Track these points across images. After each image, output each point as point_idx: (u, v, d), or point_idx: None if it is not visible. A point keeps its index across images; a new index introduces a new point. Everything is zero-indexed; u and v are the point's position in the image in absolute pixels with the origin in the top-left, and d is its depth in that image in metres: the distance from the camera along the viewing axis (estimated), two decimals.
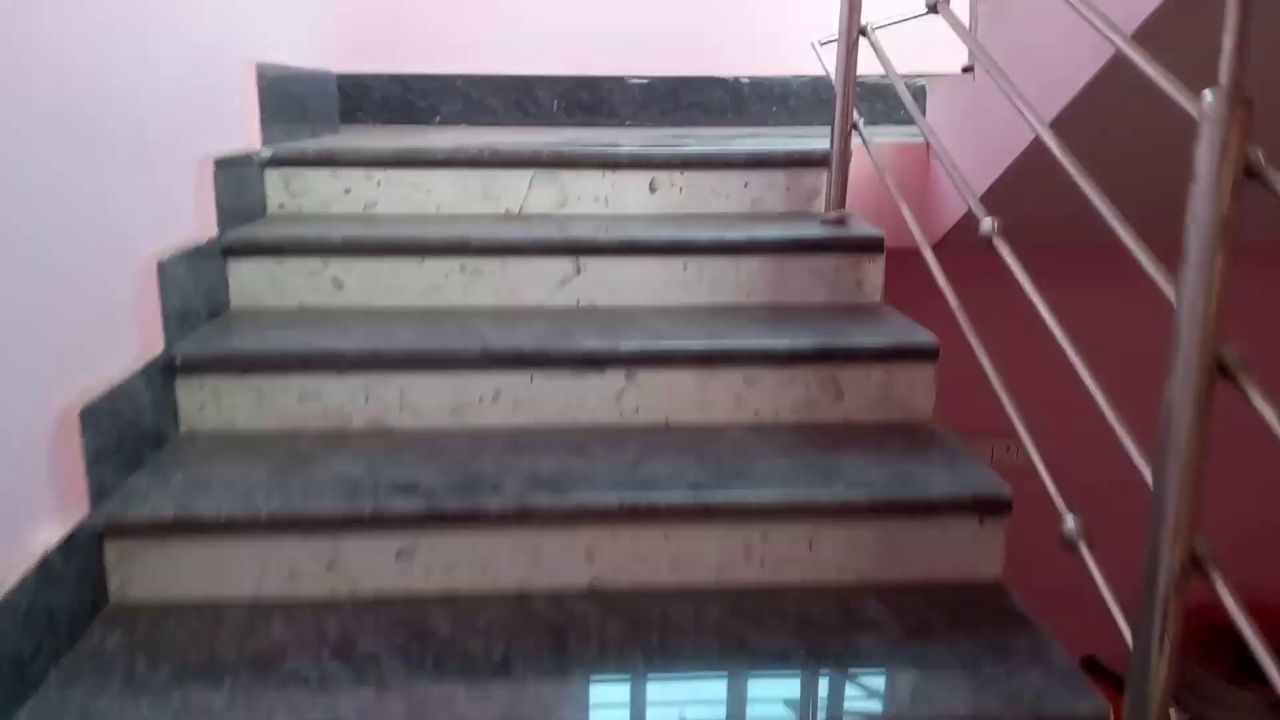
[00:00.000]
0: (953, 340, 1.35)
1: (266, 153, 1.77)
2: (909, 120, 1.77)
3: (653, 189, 1.84)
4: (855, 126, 1.71)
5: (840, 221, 1.72)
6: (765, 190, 1.85)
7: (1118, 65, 1.36)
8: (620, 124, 3.05)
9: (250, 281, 1.59)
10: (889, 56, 1.68)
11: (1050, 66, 1.52)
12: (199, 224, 1.51)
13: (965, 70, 1.93)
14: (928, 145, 2.06)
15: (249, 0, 1.78)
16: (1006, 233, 1.19)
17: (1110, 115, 1.51)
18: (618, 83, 3.04)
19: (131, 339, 1.28)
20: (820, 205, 1.86)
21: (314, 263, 1.59)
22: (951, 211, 1.94)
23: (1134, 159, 1.62)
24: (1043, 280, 1.13)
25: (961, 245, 1.93)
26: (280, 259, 1.58)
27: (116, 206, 1.25)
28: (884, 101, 3.06)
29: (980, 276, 1.52)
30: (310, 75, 2.10)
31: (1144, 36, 1.30)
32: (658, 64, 3.05)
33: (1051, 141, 1.11)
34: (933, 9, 1.42)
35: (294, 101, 1.98)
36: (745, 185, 1.85)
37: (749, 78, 3.06)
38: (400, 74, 2.99)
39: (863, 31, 1.68)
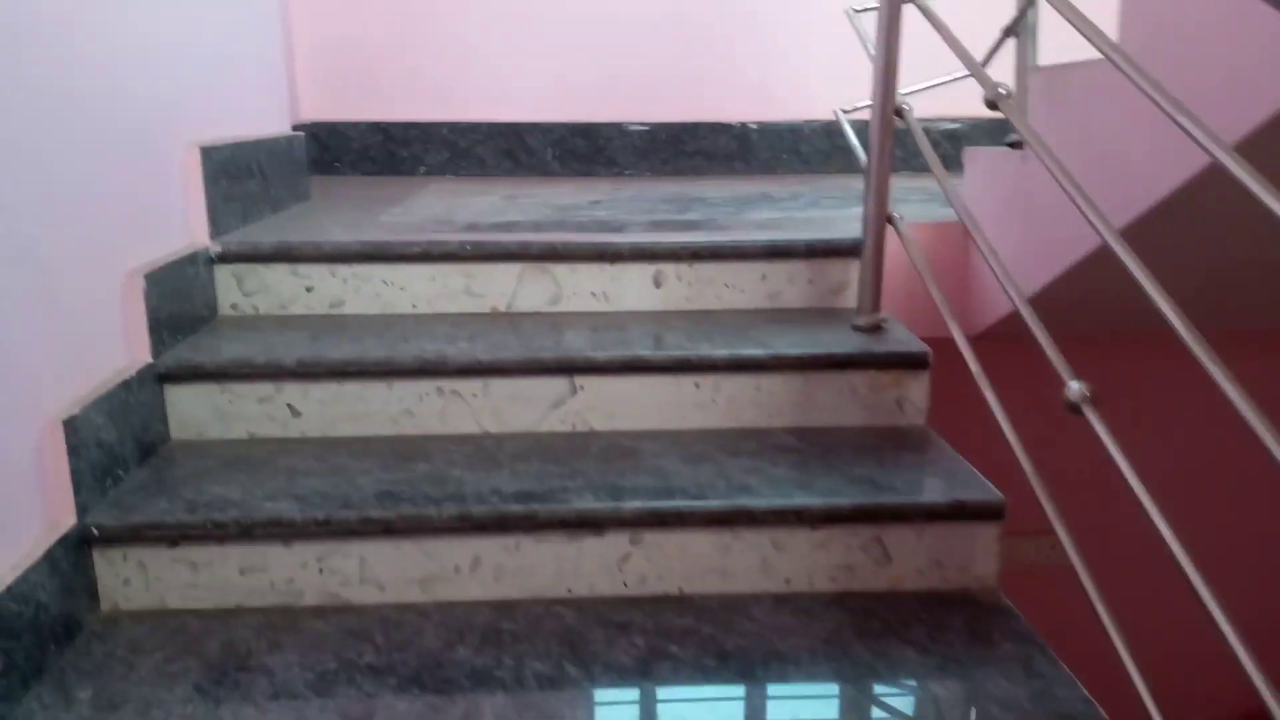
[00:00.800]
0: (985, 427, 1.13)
1: (216, 248, 1.54)
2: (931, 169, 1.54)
3: (658, 283, 1.62)
4: (891, 220, 1.48)
5: (876, 328, 1.50)
6: (785, 283, 1.63)
7: (1213, 174, 1.14)
8: (619, 173, 2.83)
9: (192, 410, 1.36)
10: (925, 135, 1.46)
11: (1122, 167, 1.30)
12: (127, 351, 1.29)
13: (1012, 145, 1.71)
14: (965, 227, 1.83)
15: (190, 73, 1.56)
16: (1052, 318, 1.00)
17: (1187, 220, 1.30)
18: (616, 129, 2.82)
19: (30, 517, 1.05)
20: (848, 298, 1.64)
21: (265, 388, 1.36)
22: (994, 303, 1.72)
23: (1200, 253, 1.41)
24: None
25: (1004, 335, 1.72)
26: (226, 384, 1.36)
27: (11, 356, 1.03)
28: (901, 148, 2.84)
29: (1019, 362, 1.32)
30: (271, 144, 1.88)
31: (1246, 147, 1.09)
32: (659, 109, 2.83)
33: (1124, 252, 0.91)
34: (992, 106, 1.20)
35: (251, 178, 1.76)
36: (763, 278, 1.63)
37: (757, 123, 2.84)
38: (381, 121, 2.77)
39: (898, 112, 1.46)
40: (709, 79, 2.83)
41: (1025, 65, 1.68)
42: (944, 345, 1.66)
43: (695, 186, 2.51)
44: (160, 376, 1.33)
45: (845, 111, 1.83)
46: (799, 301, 1.64)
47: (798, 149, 2.86)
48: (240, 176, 1.69)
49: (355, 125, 2.77)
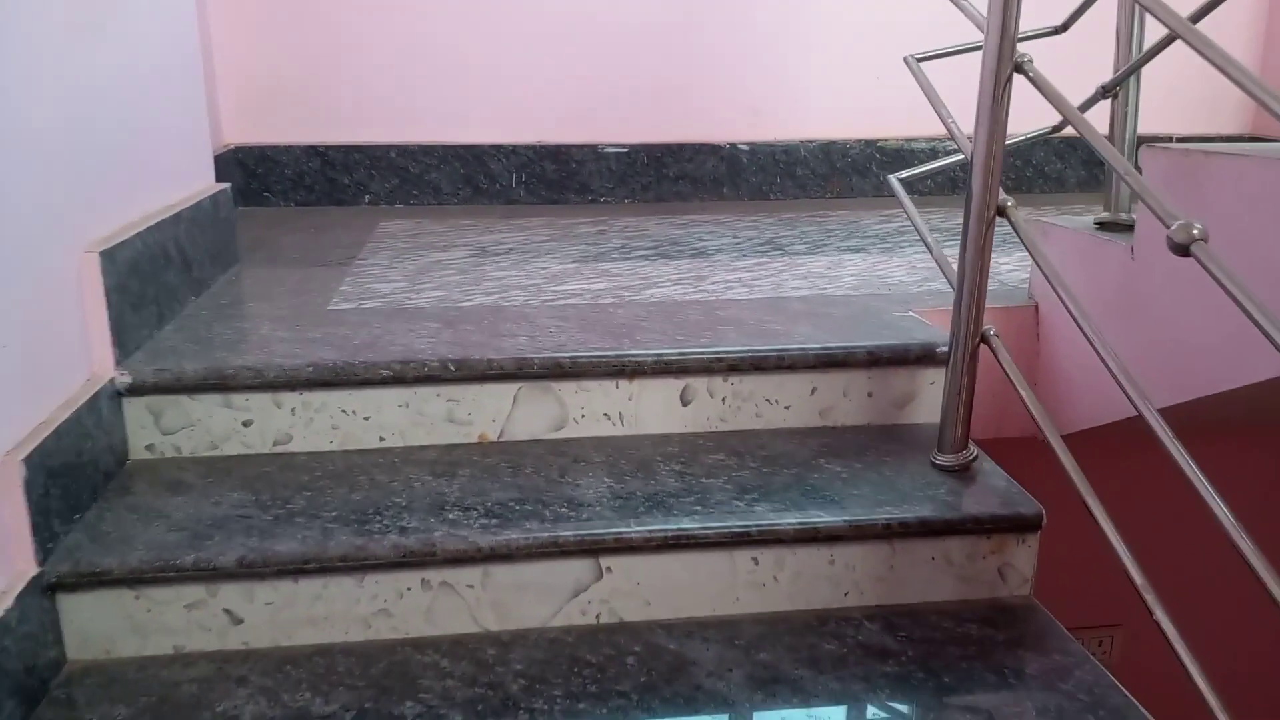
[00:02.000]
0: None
1: (124, 379, 1.19)
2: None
3: (686, 400, 1.31)
4: (986, 338, 1.19)
5: (963, 469, 1.22)
6: (839, 396, 1.34)
7: None
8: (593, 200, 2.49)
9: (97, 624, 1.03)
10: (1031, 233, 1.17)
11: None
12: (3, 564, 0.94)
13: (1102, 226, 1.44)
14: (1036, 308, 1.56)
15: (88, 153, 1.19)
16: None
17: None
18: (590, 151, 2.48)
19: None
20: (915, 413, 1.36)
21: (195, 590, 1.03)
22: (1087, 404, 1.45)
23: None
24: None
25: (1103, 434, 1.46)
26: (141, 589, 1.02)
27: None
28: (905, 167, 2.56)
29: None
30: (193, 212, 1.51)
31: None
32: (638, 129, 2.50)
33: None
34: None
35: (168, 267, 1.40)
36: (813, 391, 1.33)
37: (747, 143, 2.53)
38: (318, 144, 2.39)
39: (1001, 210, 1.17)
40: (694, 95, 2.50)
41: (1125, 132, 1.41)
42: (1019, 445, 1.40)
43: (686, 225, 2.20)
44: (50, 587, 0.99)
45: (902, 179, 1.53)
46: (855, 417, 1.35)
47: (792, 172, 2.56)
48: (154, 270, 1.33)
49: (288, 149, 2.38)
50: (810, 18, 2.48)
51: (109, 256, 1.18)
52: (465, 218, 2.29)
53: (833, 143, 2.56)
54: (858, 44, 2.51)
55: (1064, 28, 1.46)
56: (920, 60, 1.48)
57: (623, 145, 2.49)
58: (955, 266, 1.21)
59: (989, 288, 1.19)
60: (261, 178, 2.38)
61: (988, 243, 1.17)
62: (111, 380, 1.18)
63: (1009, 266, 1.78)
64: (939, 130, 2.63)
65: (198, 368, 1.21)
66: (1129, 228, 1.41)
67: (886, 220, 2.26)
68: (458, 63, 2.39)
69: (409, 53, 2.38)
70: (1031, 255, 1.16)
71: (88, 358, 1.16)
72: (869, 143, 2.57)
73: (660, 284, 1.67)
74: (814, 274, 1.75)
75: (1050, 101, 1.14)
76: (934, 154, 2.59)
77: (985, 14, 1.13)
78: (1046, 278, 1.13)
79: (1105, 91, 1.40)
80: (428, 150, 2.43)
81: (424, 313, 1.47)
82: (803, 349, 1.32)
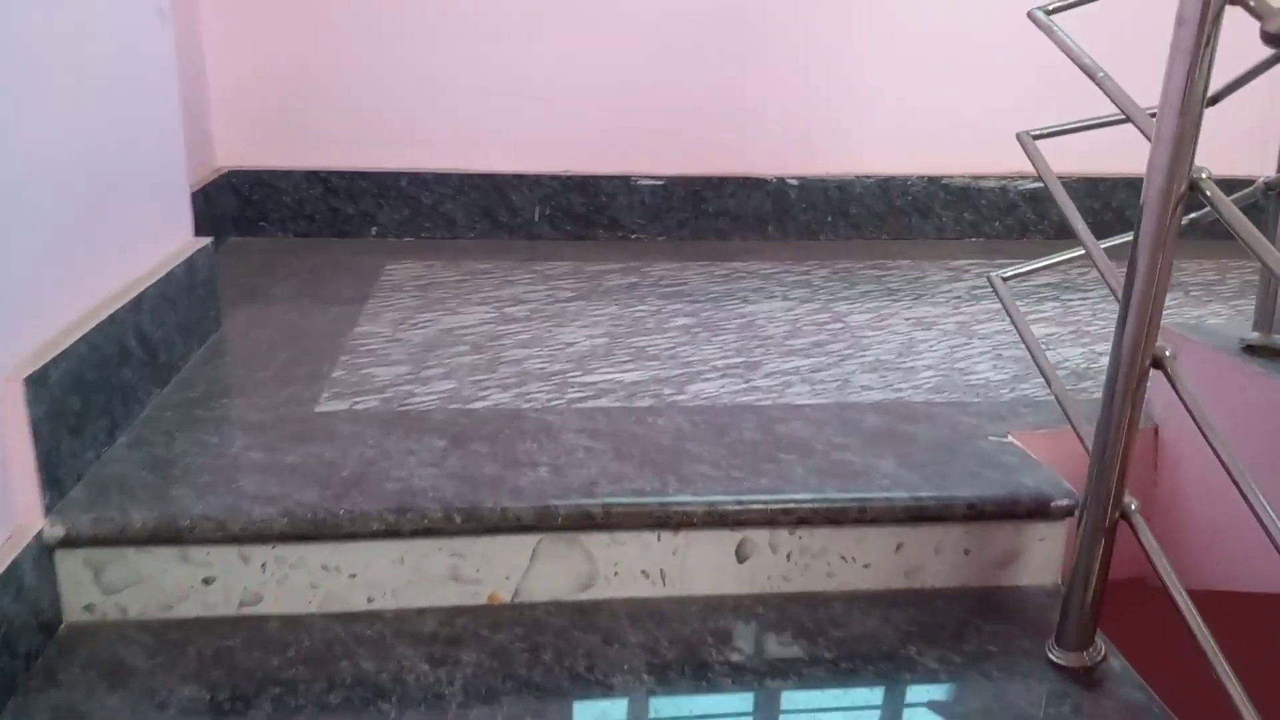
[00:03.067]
0: None
1: (55, 531, 0.97)
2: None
3: (742, 556, 1.08)
4: (1127, 514, 0.95)
5: (1087, 673, 0.98)
6: (929, 553, 1.10)
7: None
8: (624, 236, 2.25)
9: None
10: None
11: None
12: None
13: (1252, 351, 1.19)
14: (1155, 431, 1.32)
15: (29, 231, 0.96)
16: None
17: None
18: (621, 184, 2.23)
19: None
20: (1017, 574, 1.12)
21: None
22: (1224, 558, 1.21)
23: None
24: None
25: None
26: None
27: None
28: (972, 207, 2.32)
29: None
30: (161, 286, 1.28)
31: None
32: (675, 160, 2.25)
33: None
34: None
35: (123, 364, 1.17)
36: (898, 548, 1.09)
37: (796, 178, 2.28)
38: (321, 169, 2.16)
39: (1159, 361, 0.92)
40: (739, 124, 2.25)
41: None
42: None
43: (729, 278, 1.95)
44: None
45: (1005, 279, 1.28)
46: (947, 578, 1.12)
47: (845, 210, 2.31)
48: (104, 376, 1.10)
49: (287, 174, 2.15)
50: (869, 40, 2.22)
51: (37, 381, 0.95)
52: (482, 258, 2.05)
53: (892, 178, 2.30)
54: (922, 69, 2.25)
55: (1215, 100, 1.20)
56: (1038, 137, 1.23)
57: (658, 177, 2.24)
58: (1063, 386, 0.97)
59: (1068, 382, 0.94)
60: (258, 205, 2.15)
61: (1138, 401, 0.93)
62: (39, 534, 0.96)
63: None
64: (1011, 168, 2.38)
65: (147, 517, 0.99)
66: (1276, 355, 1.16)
67: (954, 276, 2.01)
68: (477, 82, 2.14)
69: (423, 70, 2.13)
70: (1189, 409, 0.91)
71: (8, 511, 0.93)
72: (932, 179, 2.31)
73: (705, 373, 1.43)
74: (883, 362, 1.50)
75: (1228, 223, 0.89)
76: (1004, 193, 2.33)
77: (1154, 121, 0.87)
78: (1195, 421, 0.88)
79: (1268, 189, 1.14)
80: (442, 179, 2.18)
81: (428, 420, 1.24)
82: (889, 499, 1.08)
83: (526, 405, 1.30)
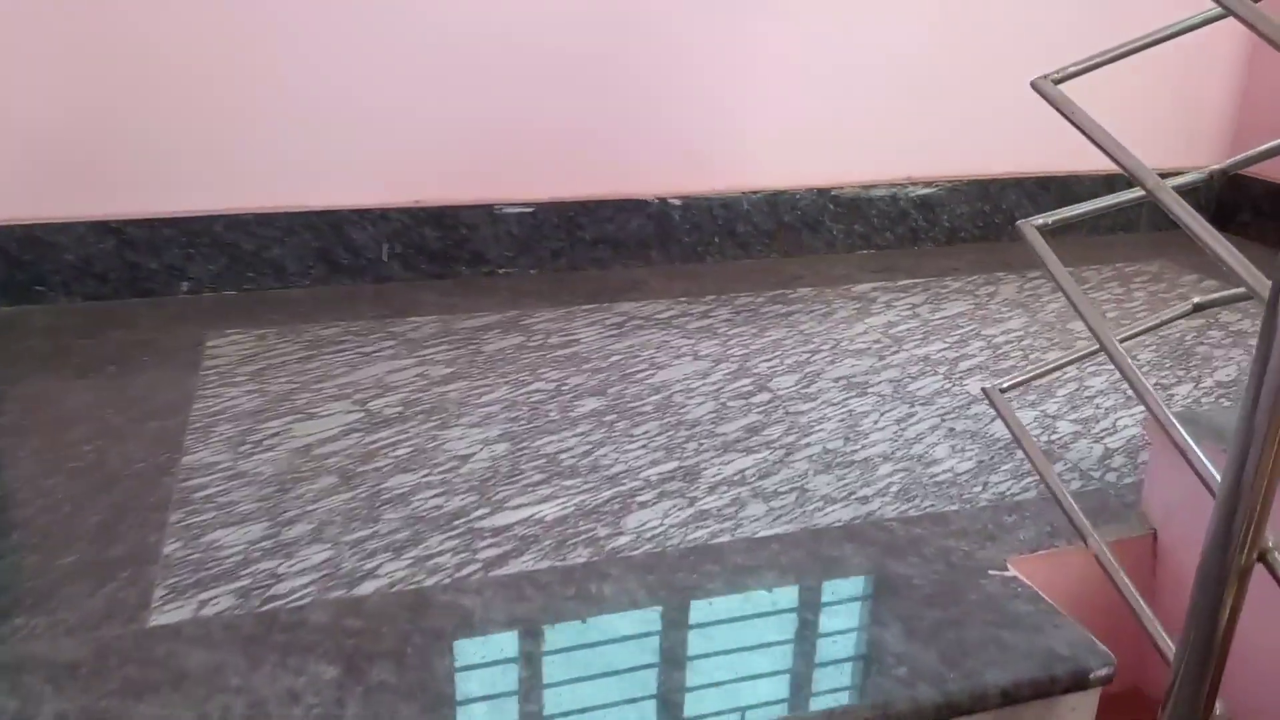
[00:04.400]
0: None
1: None
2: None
3: None
4: None
5: None
6: None
7: None
8: (491, 272, 1.96)
9: None
10: None
11: None
12: None
13: None
14: (1154, 537, 1.18)
15: None
16: None
17: None
18: (485, 214, 1.93)
19: None
20: None
21: None
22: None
23: None
24: None
25: None
26: None
27: None
28: (863, 219, 2.17)
29: None
30: None
31: None
32: (546, 183, 1.96)
33: None
34: None
35: None
36: None
37: (680, 197, 2.04)
38: (113, 218, 1.75)
39: (1264, 554, 0.75)
40: (617, 141, 1.98)
41: None
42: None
43: (622, 328, 1.70)
44: None
45: (1003, 388, 1.09)
46: None
47: (732, 229, 2.10)
48: None
49: (69, 226, 1.72)
50: (751, 49, 1.99)
51: None
52: (325, 318, 1.71)
53: (780, 193, 2.10)
54: (807, 76, 2.05)
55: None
56: (1043, 228, 1.05)
57: (527, 204, 1.95)
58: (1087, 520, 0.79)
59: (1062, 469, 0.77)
60: (31, 267, 1.72)
61: (1237, 605, 0.75)
62: None
63: (1059, 411, 1.39)
64: (900, 173, 2.23)
65: None
66: None
67: (862, 308, 1.84)
68: (307, 104, 1.78)
69: (238, 93, 1.74)
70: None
71: None
72: (821, 192, 2.13)
73: (639, 493, 1.19)
74: (832, 453, 1.30)
75: None
76: (895, 201, 2.18)
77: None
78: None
79: None
80: (266, 219, 1.82)
81: (306, 627, 0.94)
82: (914, 700, 0.88)
83: (431, 581, 1.02)
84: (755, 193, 2.09)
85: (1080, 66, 0.97)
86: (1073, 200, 2.36)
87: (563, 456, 1.28)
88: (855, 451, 1.32)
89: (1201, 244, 0.73)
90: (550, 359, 1.58)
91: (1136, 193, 0.93)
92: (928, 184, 2.20)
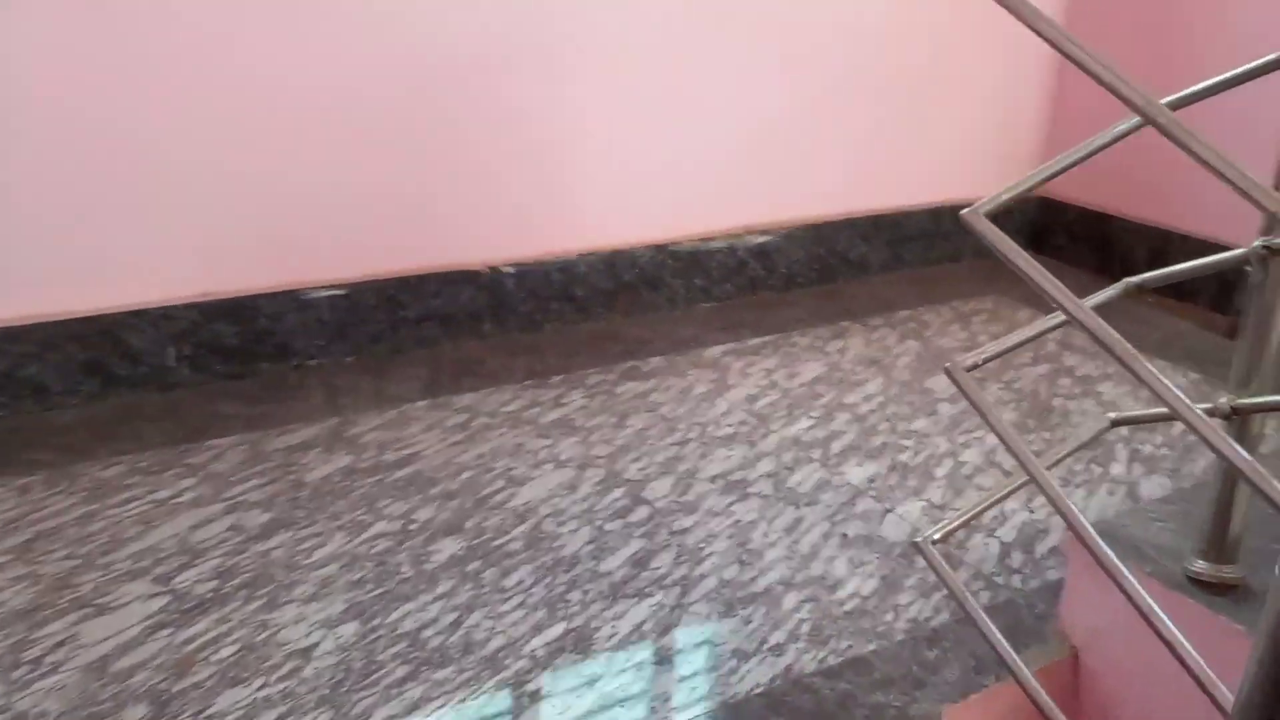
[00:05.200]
0: None
1: None
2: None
3: None
4: None
5: None
6: None
7: None
8: (300, 365, 1.71)
9: None
10: None
11: None
12: None
13: (1198, 583, 1.01)
14: (1075, 657, 1.12)
15: None
16: None
17: None
18: (290, 300, 1.69)
19: None
20: None
21: None
22: None
23: None
24: None
25: None
26: None
27: None
28: (702, 272, 2.06)
29: None
30: None
31: None
32: (361, 259, 1.74)
33: None
34: None
35: None
36: None
37: (513, 264, 1.87)
38: None
39: None
40: (439, 208, 1.77)
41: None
42: None
43: (471, 434, 1.51)
44: None
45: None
46: None
47: (570, 294, 1.94)
48: None
49: None
50: (582, 101, 1.84)
51: None
52: (104, 450, 1.43)
53: (618, 252, 1.96)
54: (639, 129, 1.91)
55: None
56: (972, 367, 0.94)
57: (339, 285, 1.71)
58: None
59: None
60: None
61: None
62: None
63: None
64: (736, 223, 2.12)
65: None
66: (1233, 588, 0.99)
67: (719, 379, 1.73)
68: (58, 181, 1.47)
69: None
70: None
71: None
72: (659, 248, 2.01)
73: (526, 676, 1.02)
74: (730, 585, 1.18)
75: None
76: (733, 252, 2.09)
77: None
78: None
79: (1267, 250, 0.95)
80: (19, 334, 1.49)
81: None
82: None
83: None
84: (592, 253, 1.93)
85: None
86: (903, 238, 2.36)
87: (427, 634, 1.09)
88: (754, 580, 1.20)
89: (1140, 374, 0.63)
90: (389, 485, 1.37)
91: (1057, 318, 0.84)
92: (764, 232, 2.12)
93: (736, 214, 2.09)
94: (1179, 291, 2.19)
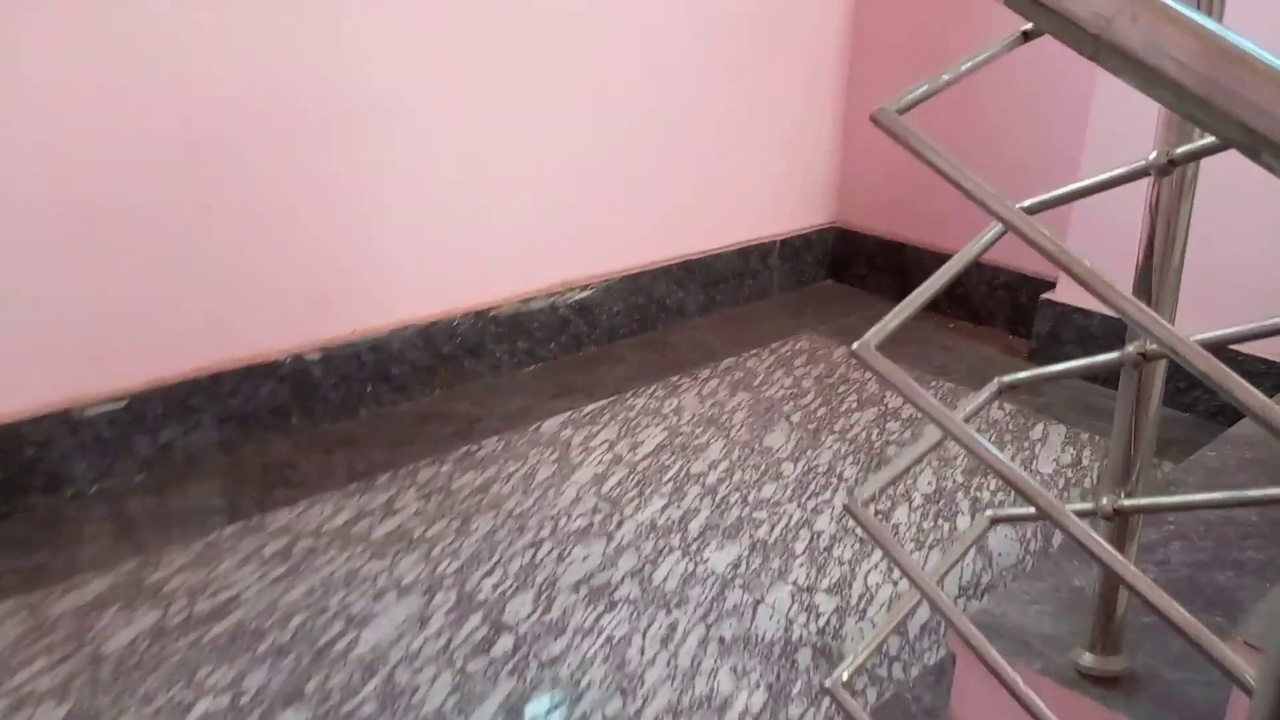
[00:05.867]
0: None
1: None
2: None
3: None
4: None
5: None
6: None
7: None
8: (77, 495, 1.49)
9: None
10: None
11: None
12: None
13: (1090, 679, 1.02)
14: None
15: None
16: None
17: None
18: (59, 421, 1.47)
19: None
20: None
21: None
22: None
23: None
24: None
25: None
26: None
27: None
28: (525, 334, 1.98)
29: None
30: None
31: None
32: (141, 364, 1.52)
33: None
34: None
35: None
36: None
37: (318, 349, 1.70)
38: None
39: None
40: (228, 299, 1.58)
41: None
42: None
43: (295, 554, 1.35)
44: None
45: None
46: None
47: (386, 374, 1.79)
48: None
49: None
50: (381, 167, 1.69)
51: None
52: None
53: (434, 323, 1.83)
54: (447, 192, 1.79)
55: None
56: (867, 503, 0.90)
57: (118, 397, 1.49)
58: None
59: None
60: None
61: None
62: None
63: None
64: (556, 279, 2.02)
65: None
66: (1114, 682, 1.01)
67: (561, 457, 1.64)
68: None
69: None
70: None
71: None
72: (479, 314, 1.89)
73: None
74: None
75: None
76: (554, 310, 2.00)
77: None
78: None
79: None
80: None
81: None
82: None
83: None
84: (406, 328, 1.79)
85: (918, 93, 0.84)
86: (715, 280, 2.35)
87: None
88: (640, 712, 1.12)
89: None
90: (208, 646, 1.19)
91: None
92: (584, 287, 2.04)
93: (555, 270, 2.00)
94: (977, 317, 2.31)
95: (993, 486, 1.62)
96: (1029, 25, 0.62)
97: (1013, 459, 1.70)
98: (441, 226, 1.79)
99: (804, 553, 1.43)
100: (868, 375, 2.02)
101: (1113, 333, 1.93)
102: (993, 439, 1.77)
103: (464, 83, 1.74)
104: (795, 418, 1.84)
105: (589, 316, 2.06)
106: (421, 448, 1.67)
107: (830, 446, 1.74)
